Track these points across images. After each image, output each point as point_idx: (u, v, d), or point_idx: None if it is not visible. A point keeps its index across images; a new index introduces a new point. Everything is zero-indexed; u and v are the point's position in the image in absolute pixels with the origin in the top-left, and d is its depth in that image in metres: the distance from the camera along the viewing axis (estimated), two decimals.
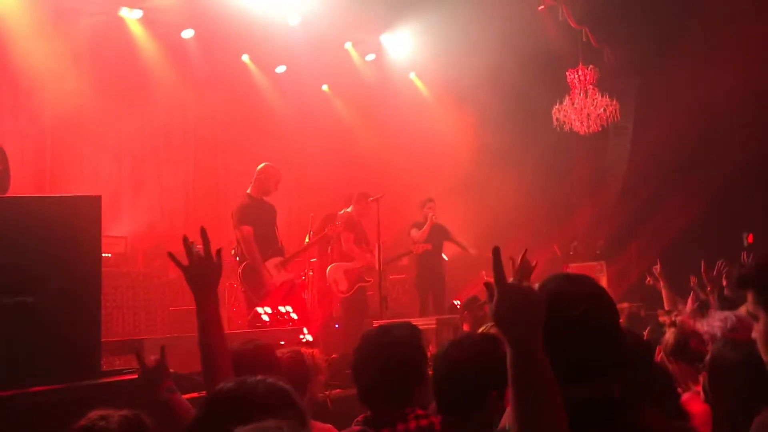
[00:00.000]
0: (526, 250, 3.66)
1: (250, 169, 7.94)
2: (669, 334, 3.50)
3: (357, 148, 12.73)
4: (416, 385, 2.49)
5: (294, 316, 6.70)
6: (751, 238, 10.84)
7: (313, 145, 12.45)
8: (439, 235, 9.92)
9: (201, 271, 2.49)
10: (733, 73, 11.52)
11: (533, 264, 3.70)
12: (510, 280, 1.46)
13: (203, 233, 2.51)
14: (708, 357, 2.63)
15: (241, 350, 3.00)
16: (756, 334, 1.77)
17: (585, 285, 1.73)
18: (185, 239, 2.53)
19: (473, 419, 2.26)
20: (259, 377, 1.70)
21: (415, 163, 12.49)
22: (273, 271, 7.37)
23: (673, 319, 3.66)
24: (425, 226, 9.75)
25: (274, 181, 7.72)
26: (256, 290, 7.27)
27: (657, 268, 6.50)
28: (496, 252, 1.49)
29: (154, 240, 10.69)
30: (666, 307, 6.27)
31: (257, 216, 7.47)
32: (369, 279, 8.78)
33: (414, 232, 9.85)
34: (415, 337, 2.58)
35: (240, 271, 7.46)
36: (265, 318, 6.53)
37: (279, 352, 3.30)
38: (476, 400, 2.26)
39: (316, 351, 3.69)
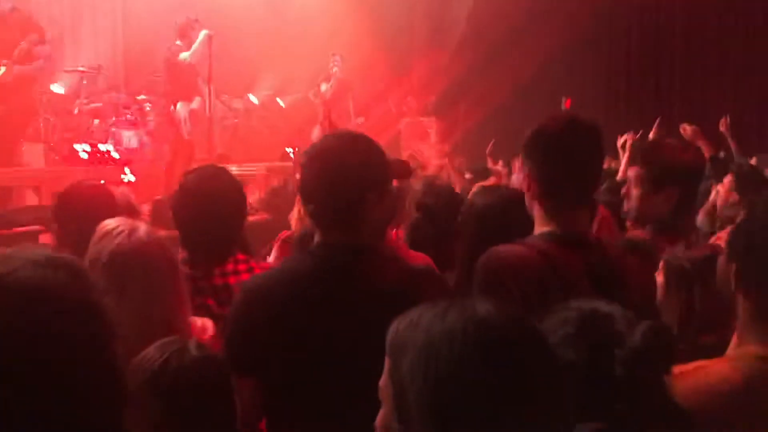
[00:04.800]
0: None
1: None
2: None
3: None
4: (236, 231, 2.52)
5: (115, 155, 6.38)
6: (568, 103, 11.57)
7: None
8: None
9: None
10: None
11: None
12: None
13: None
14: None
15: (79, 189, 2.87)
16: None
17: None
18: None
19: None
20: None
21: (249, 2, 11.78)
22: None
23: None
24: (332, 83, 10.60)
25: None
26: None
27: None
28: None
29: None
30: None
31: None
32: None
33: (324, 87, 10.70)
34: (237, 183, 2.58)
35: None
36: (84, 156, 6.16)
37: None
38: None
39: (125, 190, 3.57)
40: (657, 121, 5.24)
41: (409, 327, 1.08)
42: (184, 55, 7.84)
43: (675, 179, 2.40)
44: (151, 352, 1.63)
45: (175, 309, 1.97)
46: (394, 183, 2.12)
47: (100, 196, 2.88)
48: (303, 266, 1.83)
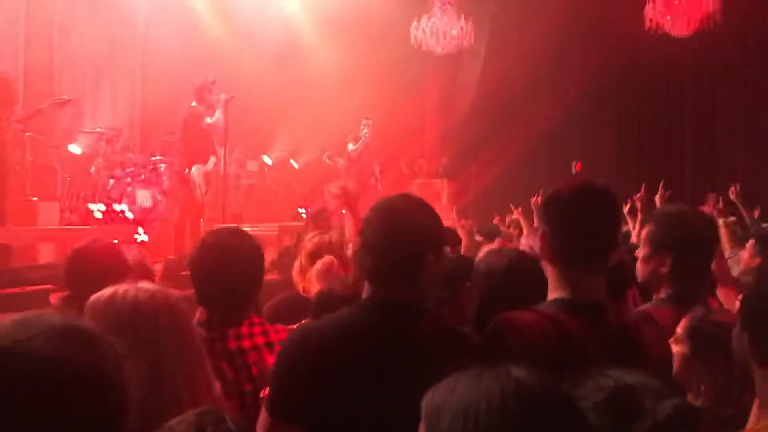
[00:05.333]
0: None
1: None
2: None
3: (208, 38, 11.82)
4: (254, 293, 2.52)
5: (129, 215, 6.44)
6: (579, 167, 11.65)
7: (157, 27, 11.40)
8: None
9: None
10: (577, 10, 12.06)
11: None
12: None
13: None
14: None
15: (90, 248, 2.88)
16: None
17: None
18: None
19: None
20: None
21: (267, 65, 12.02)
22: None
23: None
24: (359, 145, 10.87)
25: None
26: None
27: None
28: None
29: None
30: None
31: None
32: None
33: (352, 147, 10.97)
34: (257, 244, 2.58)
35: None
36: (98, 215, 6.22)
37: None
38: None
39: (139, 249, 3.57)
40: (661, 183, 5.28)
41: (446, 391, 1.13)
42: (208, 120, 7.94)
43: (669, 246, 2.37)
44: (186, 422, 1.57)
45: (191, 370, 1.93)
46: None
47: (112, 257, 2.88)
48: (356, 319, 1.85)
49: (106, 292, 1.92)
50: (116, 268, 2.72)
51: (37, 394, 1.01)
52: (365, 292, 1.90)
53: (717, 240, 2.62)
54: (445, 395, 1.12)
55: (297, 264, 3.62)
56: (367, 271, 1.89)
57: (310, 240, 3.68)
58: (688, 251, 2.34)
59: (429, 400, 1.14)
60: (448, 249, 2.26)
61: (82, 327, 1.12)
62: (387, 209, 1.90)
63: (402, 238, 1.84)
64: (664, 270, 2.35)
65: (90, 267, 2.71)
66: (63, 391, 1.02)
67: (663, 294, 2.38)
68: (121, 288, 1.93)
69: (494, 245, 5.73)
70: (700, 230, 2.41)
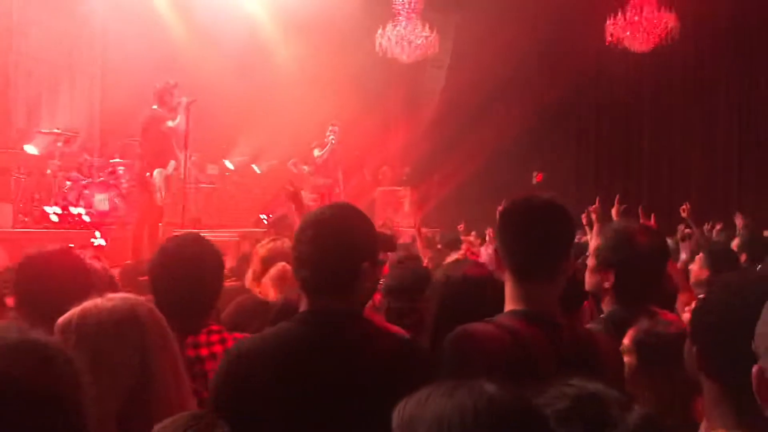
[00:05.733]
0: None
1: None
2: None
3: (170, 41, 11.66)
4: (214, 301, 2.51)
5: (86, 218, 6.32)
6: (539, 177, 11.78)
7: (118, 28, 11.17)
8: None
9: None
10: (540, 22, 12.24)
11: None
12: None
13: None
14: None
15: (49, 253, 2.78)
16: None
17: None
18: None
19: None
20: None
21: (229, 69, 11.91)
22: None
23: None
24: (325, 151, 10.76)
25: None
26: None
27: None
28: None
29: None
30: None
31: None
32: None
33: (318, 153, 10.87)
34: (217, 251, 2.56)
35: None
36: (54, 218, 6.10)
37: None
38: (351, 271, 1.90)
39: (95, 253, 3.49)
40: (617, 197, 5.34)
41: (417, 405, 1.12)
42: (170, 124, 7.81)
43: (613, 263, 2.39)
44: (175, 426, 1.54)
45: (176, 373, 1.91)
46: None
47: (69, 264, 2.77)
48: (295, 332, 1.82)
49: (77, 309, 1.85)
50: (71, 277, 2.61)
51: None
52: (302, 304, 1.88)
53: (664, 258, 2.64)
54: (416, 410, 1.12)
55: (251, 270, 3.59)
56: (303, 283, 1.87)
57: (264, 246, 3.66)
58: (630, 270, 2.37)
59: (401, 412, 1.14)
60: (384, 255, 2.27)
61: (37, 341, 1.08)
62: (319, 220, 1.89)
63: (336, 249, 1.83)
64: (607, 285, 2.39)
65: (43, 274, 2.56)
66: (17, 411, 0.99)
67: (604, 312, 2.42)
68: (90, 302, 1.87)
69: (461, 252, 5.78)
70: (645, 250, 2.43)
